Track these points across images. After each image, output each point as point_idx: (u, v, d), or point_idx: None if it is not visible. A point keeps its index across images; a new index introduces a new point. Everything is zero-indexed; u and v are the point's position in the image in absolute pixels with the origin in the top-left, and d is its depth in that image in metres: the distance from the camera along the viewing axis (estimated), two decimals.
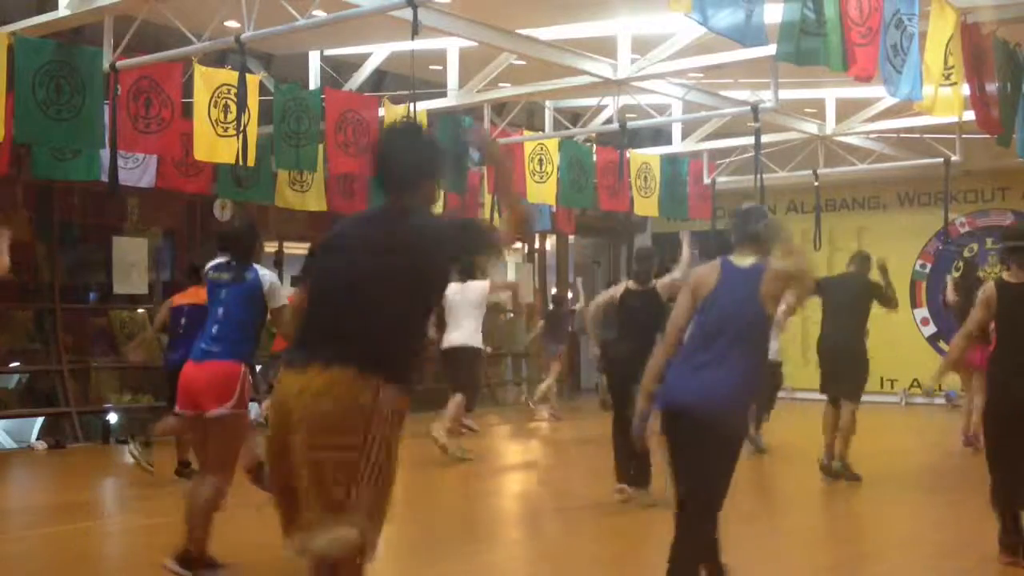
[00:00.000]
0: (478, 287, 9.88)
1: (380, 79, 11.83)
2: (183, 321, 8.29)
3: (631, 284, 7.79)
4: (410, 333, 3.35)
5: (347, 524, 3.10)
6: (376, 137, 3.62)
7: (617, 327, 7.89)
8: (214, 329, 5.53)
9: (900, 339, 14.54)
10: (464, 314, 9.71)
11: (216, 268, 5.71)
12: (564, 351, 14.34)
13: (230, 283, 5.57)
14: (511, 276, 16.40)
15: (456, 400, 9.72)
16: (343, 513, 3.10)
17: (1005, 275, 5.94)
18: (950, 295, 10.67)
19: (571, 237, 17.64)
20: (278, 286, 5.61)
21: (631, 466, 7.57)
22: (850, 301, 8.58)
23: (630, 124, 11.93)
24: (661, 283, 7.63)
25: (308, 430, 3.13)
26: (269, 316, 5.62)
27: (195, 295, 7.92)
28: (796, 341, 14.74)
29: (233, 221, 5.98)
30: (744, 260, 4.33)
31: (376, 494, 3.19)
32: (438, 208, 12.77)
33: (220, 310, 5.55)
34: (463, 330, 9.70)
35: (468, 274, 9.80)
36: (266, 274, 5.62)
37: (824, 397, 8.72)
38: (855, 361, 8.61)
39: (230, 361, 5.41)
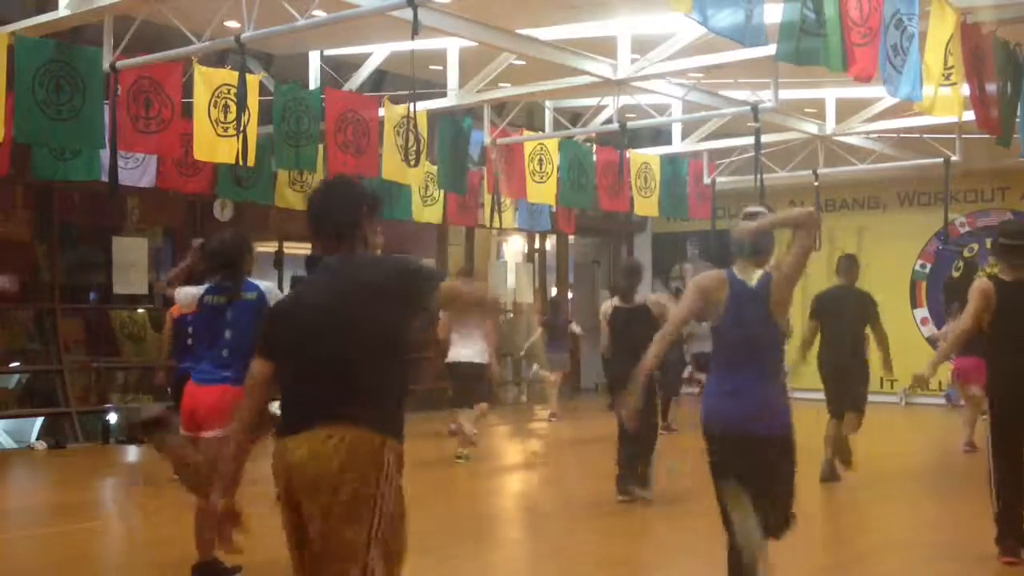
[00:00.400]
0: None
1: (380, 79, 11.83)
2: (189, 331, 8.25)
3: (617, 302, 7.87)
4: (398, 382, 3.40)
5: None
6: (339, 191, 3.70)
7: (612, 346, 7.95)
8: (224, 352, 5.42)
9: (900, 339, 14.38)
10: (471, 328, 9.76)
11: (210, 292, 5.61)
12: (567, 358, 14.32)
13: (229, 304, 5.46)
14: (511, 276, 16.43)
15: (474, 414, 9.94)
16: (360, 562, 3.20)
17: (1000, 273, 5.96)
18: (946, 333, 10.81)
19: (571, 237, 17.65)
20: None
21: (635, 474, 7.66)
22: (847, 322, 8.49)
23: (630, 124, 11.93)
24: (652, 300, 7.78)
25: (319, 495, 3.20)
26: None
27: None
28: (796, 339, 14.74)
29: (219, 236, 5.82)
30: (750, 276, 4.39)
31: (393, 535, 3.30)
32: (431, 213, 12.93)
33: (228, 332, 5.43)
34: (471, 347, 9.76)
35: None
36: (269, 288, 5.51)
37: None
38: (860, 377, 8.59)
39: (241, 386, 5.35)
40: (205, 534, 5.33)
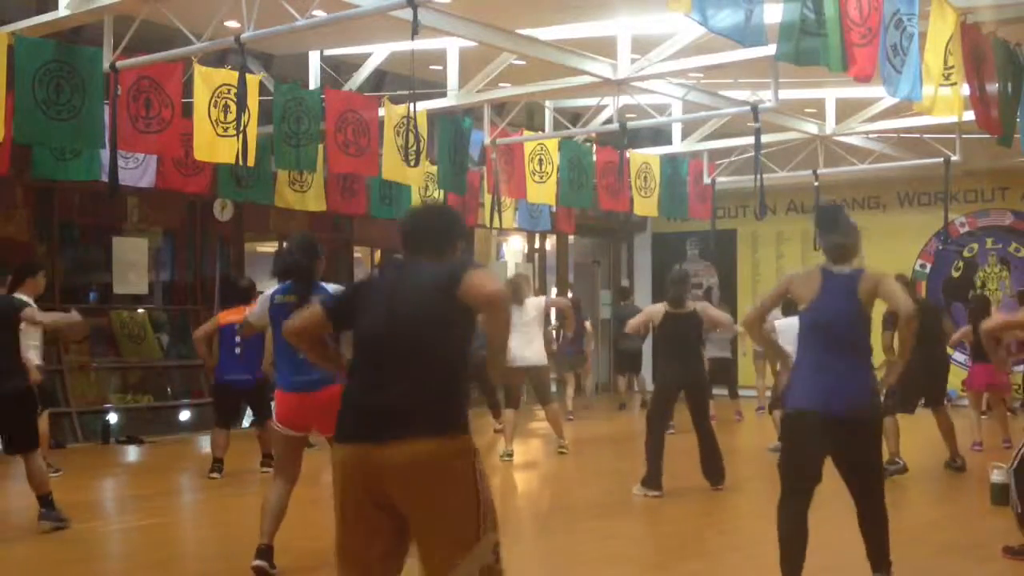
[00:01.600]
0: (535, 303, 9.99)
1: (380, 79, 11.83)
2: (237, 340, 8.21)
3: (669, 307, 8.11)
4: (461, 378, 3.43)
5: (479, 549, 3.28)
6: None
7: (664, 349, 8.36)
8: (301, 355, 5.47)
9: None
10: (529, 330, 9.79)
11: (282, 291, 5.62)
12: (583, 357, 14.27)
13: (299, 304, 5.39)
14: (510, 276, 16.38)
15: (555, 408, 10.49)
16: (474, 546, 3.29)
17: None
18: (957, 337, 10.96)
19: (571, 237, 17.64)
20: None
21: (661, 475, 7.93)
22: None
23: (630, 124, 11.93)
24: (700, 307, 8.20)
25: (422, 505, 3.25)
26: None
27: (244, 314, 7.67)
28: None
29: (293, 241, 5.85)
30: (841, 268, 4.80)
31: (489, 512, 3.36)
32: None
33: None
34: (533, 349, 9.84)
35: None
36: (337, 290, 5.45)
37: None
38: (941, 373, 9.04)
39: (319, 389, 5.39)
40: (270, 528, 5.48)
